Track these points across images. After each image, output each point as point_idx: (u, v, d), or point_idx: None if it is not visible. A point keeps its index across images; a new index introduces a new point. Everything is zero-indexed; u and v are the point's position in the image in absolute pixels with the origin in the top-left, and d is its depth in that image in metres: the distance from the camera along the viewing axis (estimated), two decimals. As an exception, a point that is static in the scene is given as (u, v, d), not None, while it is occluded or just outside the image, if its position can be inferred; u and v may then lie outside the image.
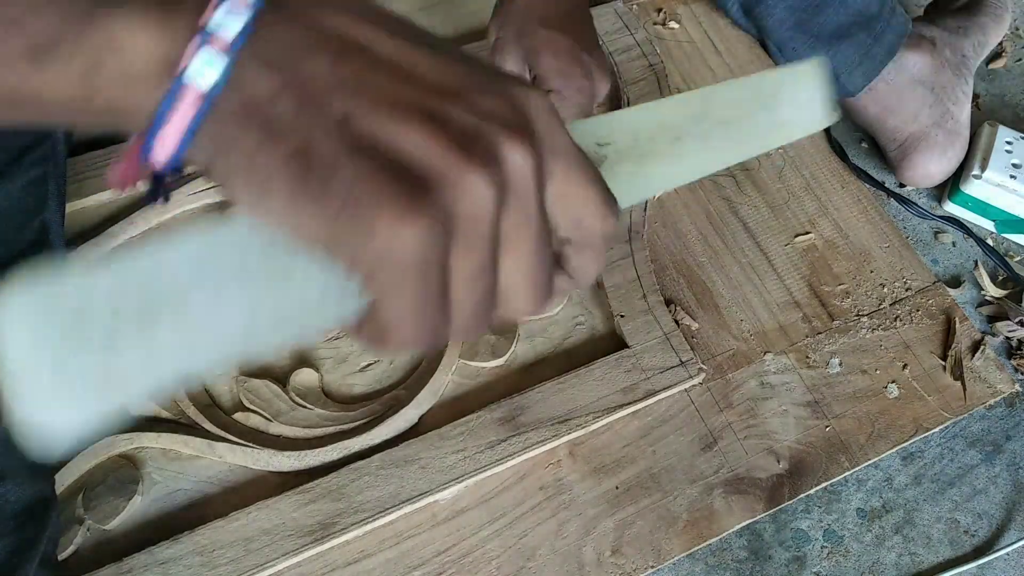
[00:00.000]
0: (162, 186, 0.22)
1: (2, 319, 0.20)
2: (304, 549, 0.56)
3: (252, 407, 0.62)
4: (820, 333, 0.71)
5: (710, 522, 0.62)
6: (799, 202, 0.78)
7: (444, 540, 0.60)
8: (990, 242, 0.84)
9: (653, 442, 0.65)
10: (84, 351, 0.21)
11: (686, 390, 0.67)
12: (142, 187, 0.22)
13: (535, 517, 0.61)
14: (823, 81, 0.35)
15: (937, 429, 0.68)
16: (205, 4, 0.20)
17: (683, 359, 0.66)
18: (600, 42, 0.65)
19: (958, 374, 0.70)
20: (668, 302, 0.70)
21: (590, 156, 0.28)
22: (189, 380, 0.23)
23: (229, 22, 0.20)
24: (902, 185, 0.87)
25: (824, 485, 0.65)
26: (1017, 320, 0.78)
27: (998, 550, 0.67)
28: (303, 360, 0.65)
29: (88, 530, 0.57)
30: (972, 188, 0.83)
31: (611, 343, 0.68)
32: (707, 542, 0.62)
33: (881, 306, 0.73)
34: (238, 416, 0.62)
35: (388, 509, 0.58)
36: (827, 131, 0.84)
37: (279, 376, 0.64)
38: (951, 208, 0.86)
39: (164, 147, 0.21)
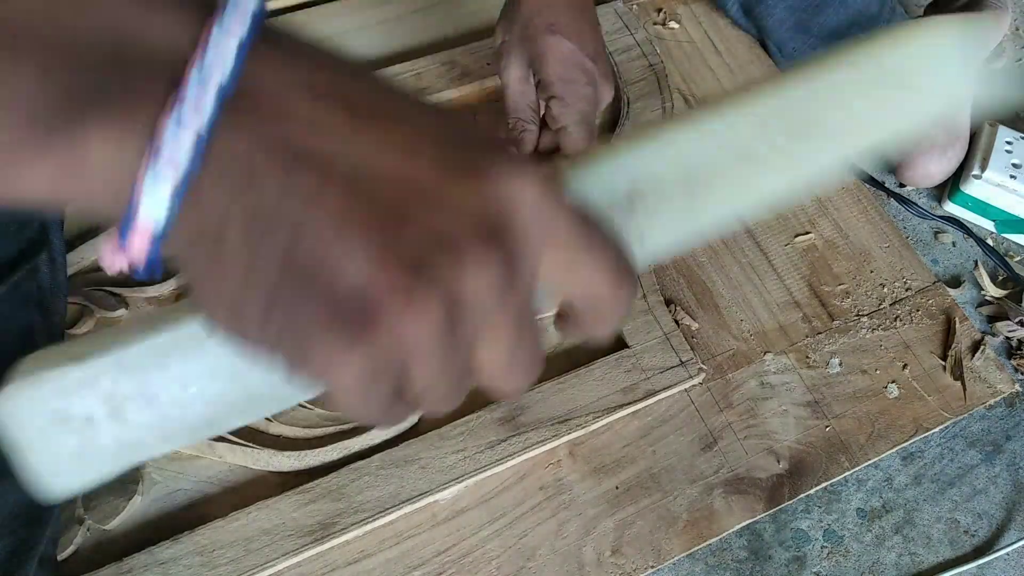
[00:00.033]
0: (153, 267, 0.22)
1: (8, 409, 0.23)
2: (304, 549, 0.56)
3: (252, 407, 0.62)
4: (820, 333, 0.71)
5: (710, 522, 0.62)
6: (799, 202, 0.78)
7: (444, 540, 0.60)
8: (990, 242, 0.84)
9: (653, 442, 0.65)
10: (67, 436, 0.24)
11: (686, 390, 0.67)
12: (127, 268, 0.22)
13: (535, 517, 0.61)
14: (965, 44, 0.27)
15: (937, 429, 0.68)
16: (163, 106, 0.20)
17: (683, 359, 0.66)
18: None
19: (958, 374, 0.70)
20: (668, 302, 0.70)
21: (620, 203, 0.25)
22: (159, 455, 0.25)
23: (180, 142, 0.20)
24: (902, 185, 0.87)
25: (824, 485, 0.65)
26: (1017, 320, 0.78)
27: (998, 550, 0.67)
28: (303, 360, 0.65)
29: (88, 530, 0.57)
30: (972, 188, 0.83)
31: (611, 343, 0.68)
32: (707, 542, 0.62)
33: (881, 306, 0.73)
34: (238, 416, 0.62)
35: (388, 509, 0.58)
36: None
37: (279, 376, 0.64)
38: (951, 208, 0.86)
39: (134, 257, 0.21)
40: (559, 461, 0.63)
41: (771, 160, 0.26)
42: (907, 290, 0.74)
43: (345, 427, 0.62)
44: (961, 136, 0.85)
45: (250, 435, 0.61)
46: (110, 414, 0.23)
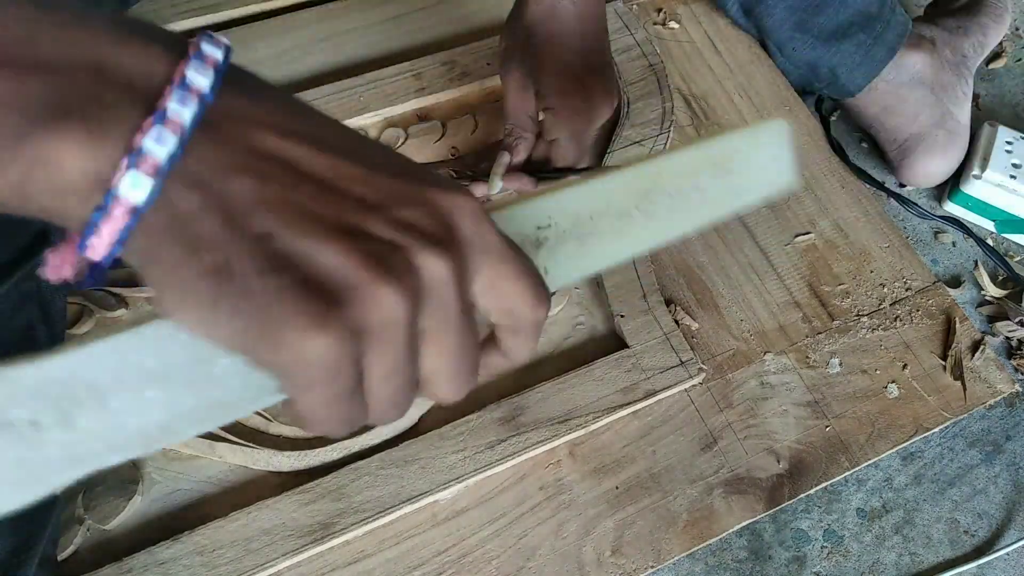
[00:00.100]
0: (100, 275, 0.23)
1: None
2: (304, 549, 0.56)
3: (252, 407, 0.62)
4: (820, 333, 0.71)
5: (710, 522, 0.62)
6: (799, 202, 0.78)
7: (444, 540, 0.60)
8: (990, 242, 0.84)
9: (653, 442, 0.65)
10: (10, 443, 0.22)
11: (686, 390, 0.67)
12: (72, 276, 0.23)
13: (535, 517, 0.61)
14: (785, 143, 0.34)
15: (937, 429, 0.68)
16: (138, 124, 0.21)
17: (683, 359, 0.66)
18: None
19: (958, 374, 0.70)
20: (668, 302, 0.70)
21: (529, 241, 0.29)
22: (110, 465, 0.24)
23: (159, 147, 0.21)
24: (902, 185, 0.87)
25: (824, 485, 0.65)
26: (1017, 320, 0.78)
27: (998, 550, 0.67)
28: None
29: (88, 530, 0.57)
30: (972, 188, 0.83)
31: (611, 343, 0.68)
32: (707, 542, 0.62)
33: (881, 306, 0.73)
34: (238, 416, 0.62)
35: (388, 509, 0.58)
36: (827, 131, 0.84)
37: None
38: (951, 208, 0.86)
39: (96, 250, 0.22)
40: (559, 461, 0.63)
41: (639, 218, 0.31)
42: (907, 290, 0.74)
43: (345, 427, 0.62)
44: (961, 136, 0.85)
45: (250, 435, 0.61)
46: (58, 420, 0.22)
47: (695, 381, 0.66)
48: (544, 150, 0.64)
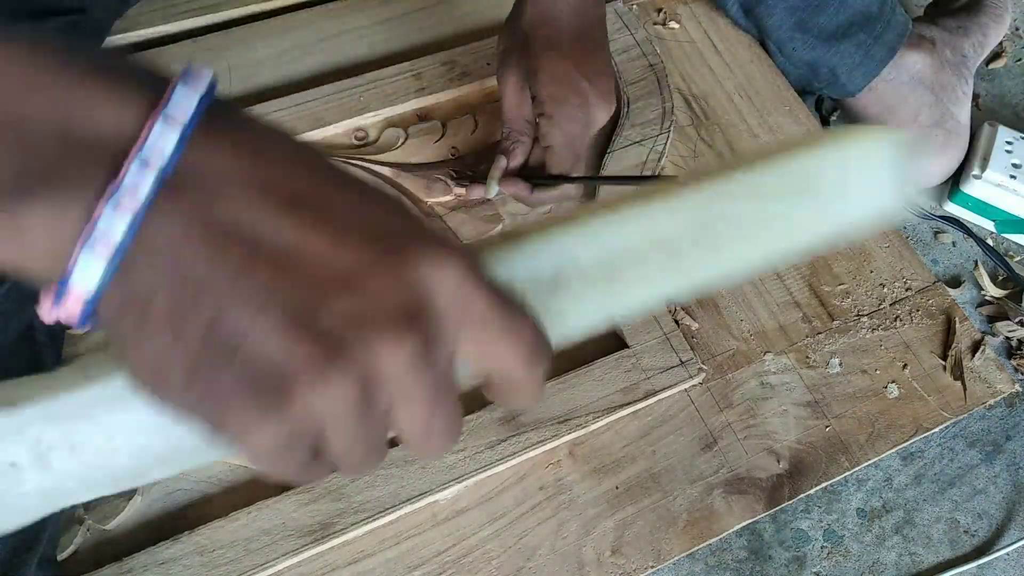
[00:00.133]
0: (87, 323, 0.23)
1: None
2: (304, 549, 0.56)
3: (252, 407, 0.62)
4: (820, 333, 0.71)
5: (710, 522, 0.62)
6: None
7: (444, 540, 0.60)
8: (990, 242, 0.84)
9: (653, 442, 0.65)
10: None
11: (686, 390, 0.67)
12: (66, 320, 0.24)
13: (535, 517, 0.61)
14: (897, 154, 0.27)
15: (937, 429, 0.68)
16: (95, 201, 0.21)
17: (683, 359, 0.66)
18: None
19: (958, 374, 0.70)
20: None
21: (544, 283, 0.26)
22: (81, 502, 0.25)
23: (113, 227, 0.21)
24: (902, 185, 0.87)
25: (824, 485, 0.65)
26: (1017, 320, 0.78)
27: (998, 550, 0.67)
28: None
29: (88, 530, 0.57)
30: (972, 188, 0.83)
31: (611, 343, 0.68)
32: (707, 542, 0.62)
33: (881, 306, 0.73)
34: (238, 416, 0.62)
35: (388, 509, 0.58)
36: (826, 131, 0.84)
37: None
38: (951, 208, 0.86)
39: (67, 317, 0.22)
40: (559, 461, 0.63)
41: (692, 254, 0.26)
42: (907, 290, 0.74)
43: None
44: (961, 136, 0.85)
45: (250, 435, 0.61)
46: (35, 461, 0.24)
47: (695, 381, 0.66)
48: (541, 155, 0.64)
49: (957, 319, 0.73)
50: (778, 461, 0.65)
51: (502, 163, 0.64)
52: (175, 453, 0.25)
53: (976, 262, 0.82)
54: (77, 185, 0.21)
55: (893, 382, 0.69)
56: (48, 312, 0.22)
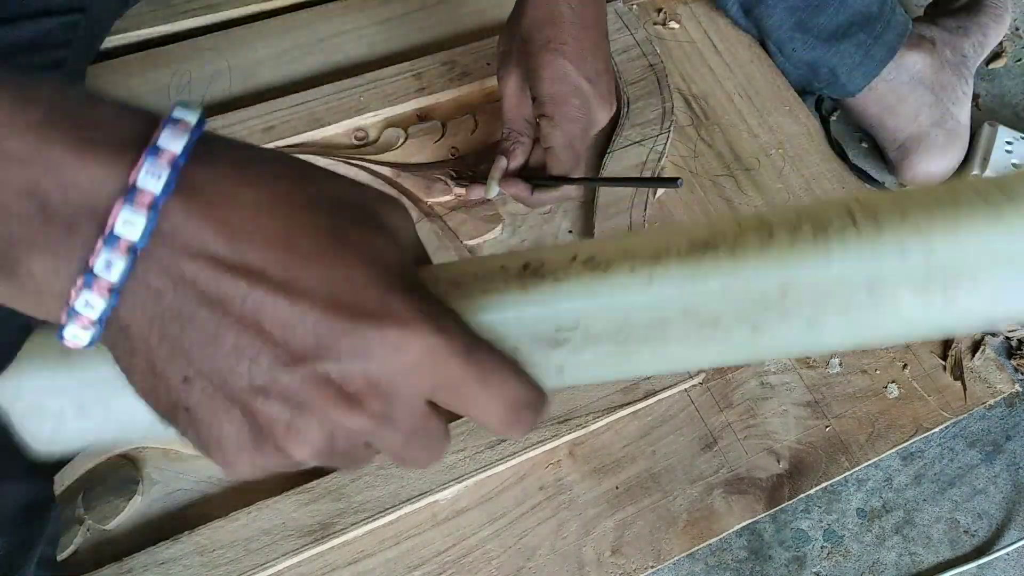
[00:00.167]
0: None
1: (6, 390, 0.28)
2: (304, 549, 0.56)
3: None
4: (820, 333, 0.71)
5: (710, 522, 0.62)
6: (799, 202, 0.78)
7: (444, 540, 0.60)
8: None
9: (653, 442, 0.65)
10: (44, 422, 0.28)
11: (686, 390, 0.67)
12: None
13: (535, 517, 0.61)
14: None
15: (937, 429, 0.68)
16: (74, 279, 0.23)
17: (683, 359, 0.66)
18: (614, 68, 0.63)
19: (958, 374, 0.70)
20: (668, 302, 0.70)
21: (544, 341, 0.24)
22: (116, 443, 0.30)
23: (89, 309, 0.23)
24: (902, 185, 0.87)
25: (824, 485, 0.65)
26: (1017, 320, 0.78)
27: (998, 550, 0.67)
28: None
29: (88, 530, 0.57)
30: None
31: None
32: (707, 542, 0.62)
33: (881, 306, 0.73)
34: (238, 416, 0.62)
35: (388, 509, 0.58)
36: (827, 131, 0.84)
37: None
38: (951, 208, 0.86)
39: (71, 344, 0.24)
40: (559, 461, 0.63)
41: (732, 330, 0.22)
42: (907, 290, 0.74)
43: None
44: (961, 136, 0.85)
45: (250, 435, 0.61)
46: (77, 413, 0.28)
47: (695, 381, 0.66)
48: (541, 156, 0.63)
49: (957, 319, 0.72)
50: (778, 461, 0.65)
51: (502, 163, 0.64)
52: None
53: (976, 262, 0.82)
54: (55, 260, 0.22)
55: (893, 382, 0.69)
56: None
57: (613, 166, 0.74)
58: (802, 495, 0.64)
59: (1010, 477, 0.71)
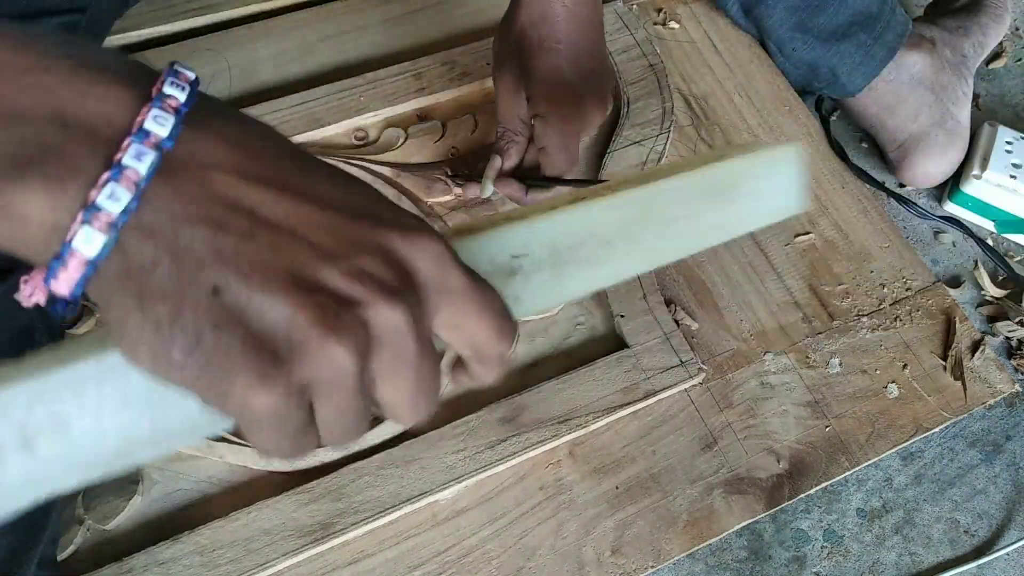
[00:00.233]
0: (69, 305, 0.24)
1: None
2: (304, 549, 0.56)
3: (252, 407, 0.62)
4: (820, 333, 0.71)
5: (710, 522, 0.62)
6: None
7: (444, 540, 0.60)
8: (990, 242, 0.84)
9: (653, 442, 0.65)
10: None
11: (686, 390, 0.67)
12: (43, 302, 0.24)
13: (535, 517, 0.61)
14: (797, 169, 0.32)
15: (937, 429, 0.68)
16: (95, 178, 0.22)
17: (683, 359, 0.66)
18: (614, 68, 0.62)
19: (958, 374, 0.70)
20: (668, 302, 0.70)
21: (502, 269, 0.29)
22: (63, 490, 0.25)
23: (113, 203, 0.21)
24: (902, 185, 0.87)
25: (824, 485, 0.65)
26: (1017, 320, 0.78)
27: (998, 550, 0.67)
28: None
29: (88, 530, 0.57)
30: (972, 188, 0.83)
31: (611, 343, 0.68)
32: (707, 542, 0.62)
33: (881, 306, 0.73)
34: (238, 416, 0.62)
35: (388, 509, 0.58)
36: (827, 131, 0.84)
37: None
38: (951, 208, 0.86)
39: (59, 290, 0.23)
40: (559, 461, 0.63)
41: (623, 246, 0.30)
42: (907, 290, 0.74)
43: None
44: (961, 136, 0.85)
45: (250, 435, 0.61)
46: (19, 445, 0.23)
47: (695, 381, 0.66)
48: (535, 156, 0.63)
49: (957, 319, 0.73)
50: (778, 461, 0.65)
51: (497, 163, 0.64)
52: (165, 432, 0.25)
53: (976, 262, 0.82)
54: (75, 166, 0.22)
55: (893, 382, 0.69)
56: (35, 291, 0.23)
57: (613, 166, 0.74)
58: (802, 495, 0.64)
59: (1010, 477, 0.71)
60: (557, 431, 0.62)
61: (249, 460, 0.60)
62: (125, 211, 0.22)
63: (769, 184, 0.32)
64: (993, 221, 0.84)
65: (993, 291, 0.80)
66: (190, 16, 0.79)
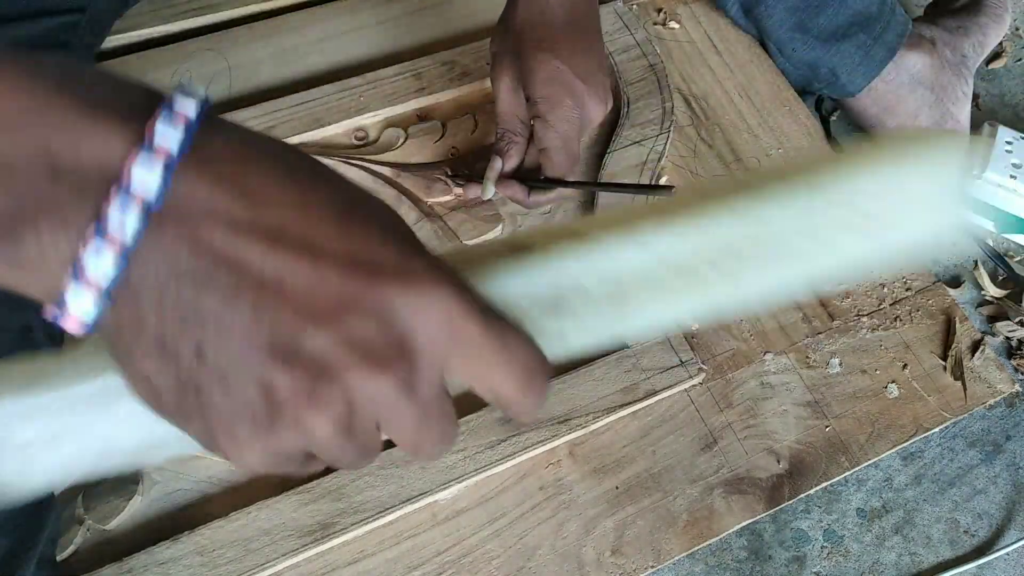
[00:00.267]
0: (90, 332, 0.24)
1: None
2: (304, 549, 0.56)
3: (252, 407, 0.62)
4: (820, 333, 0.71)
5: (710, 522, 0.62)
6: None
7: (444, 540, 0.60)
8: (990, 242, 0.84)
9: (653, 442, 0.65)
10: (8, 457, 0.25)
11: (686, 390, 0.67)
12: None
13: (535, 517, 0.61)
14: (956, 170, 0.23)
15: (937, 429, 0.68)
16: (83, 235, 0.21)
17: (683, 359, 0.66)
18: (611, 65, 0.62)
19: (958, 374, 0.70)
20: (668, 302, 0.70)
21: (542, 304, 0.25)
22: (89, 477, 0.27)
23: (99, 260, 0.21)
24: (902, 185, 0.87)
25: (824, 485, 0.65)
26: (1017, 320, 0.78)
27: (998, 550, 0.67)
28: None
29: (88, 530, 0.57)
30: (972, 188, 0.83)
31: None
32: (707, 542, 0.62)
33: (881, 306, 0.73)
34: (238, 416, 0.62)
35: (388, 509, 0.58)
36: (827, 131, 0.84)
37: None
38: (951, 208, 0.86)
39: (70, 328, 0.23)
40: (559, 461, 0.63)
41: (711, 279, 0.24)
42: (907, 290, 0.74)
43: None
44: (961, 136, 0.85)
45: (250, 435, 0.61)
46: (47, 444, 0.25)
47: (695, 381, 0.66)
48: (536, 157, 0.63)
49: (957, 319, 0.73)
50: (778, 461, 0.65)
51: (497, 164, 0.64)
52: (176, 440, 0.26)
53: (976, 262, 0.82)
54: (65, 219, 0.21)
55: (893, 382, 0.69)
56: (52, 316, 0.23)
57: (613, 166, 0.74)
58: (802, 495, 0.64)
59: (1010, 477, 0.71)
60: (557, 431, 0.62)
61: (249, 460, 0.60)
62: (110, 275, 0.21)
63: (916, 194, 0.24)
64: (993, 221, 0.84)
65: (993, 291, 0.80)
66: (190, 16, 0.79)
